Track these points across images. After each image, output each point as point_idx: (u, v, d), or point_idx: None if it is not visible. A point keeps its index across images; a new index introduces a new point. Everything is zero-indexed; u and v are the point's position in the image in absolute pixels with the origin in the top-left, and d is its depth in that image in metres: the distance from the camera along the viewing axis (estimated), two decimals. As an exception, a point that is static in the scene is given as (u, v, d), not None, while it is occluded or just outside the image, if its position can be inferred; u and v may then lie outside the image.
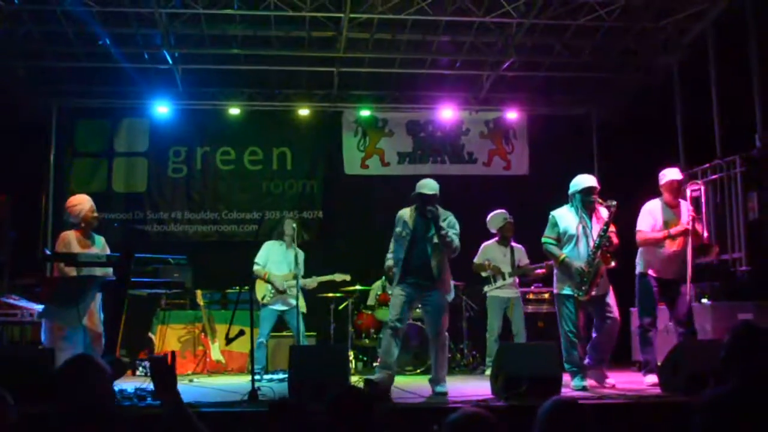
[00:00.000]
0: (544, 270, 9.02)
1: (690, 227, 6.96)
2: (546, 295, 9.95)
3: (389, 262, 6.88)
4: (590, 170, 10.10)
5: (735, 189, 8.88)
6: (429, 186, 6.72)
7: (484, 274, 9.12)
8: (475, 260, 9.16)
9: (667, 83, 10.35)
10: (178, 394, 3.06)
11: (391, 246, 6.91)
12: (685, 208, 7.14)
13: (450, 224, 6.69)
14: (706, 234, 7.37)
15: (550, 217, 7.03)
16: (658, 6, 9.37)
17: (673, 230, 7.00)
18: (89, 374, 3.08)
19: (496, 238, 9.20)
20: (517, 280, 9.23)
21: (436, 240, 6.63)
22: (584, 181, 6.92)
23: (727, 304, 8.01)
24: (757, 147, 8.44)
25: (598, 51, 10.42)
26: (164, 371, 3.06)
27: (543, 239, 7.02)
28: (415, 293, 6.72)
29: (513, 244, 9.20)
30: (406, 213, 6.82)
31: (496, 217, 9.19)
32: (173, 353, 3.20)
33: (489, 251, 9.16)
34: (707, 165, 9.36)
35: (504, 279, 8.99)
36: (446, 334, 6.79)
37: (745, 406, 3.24)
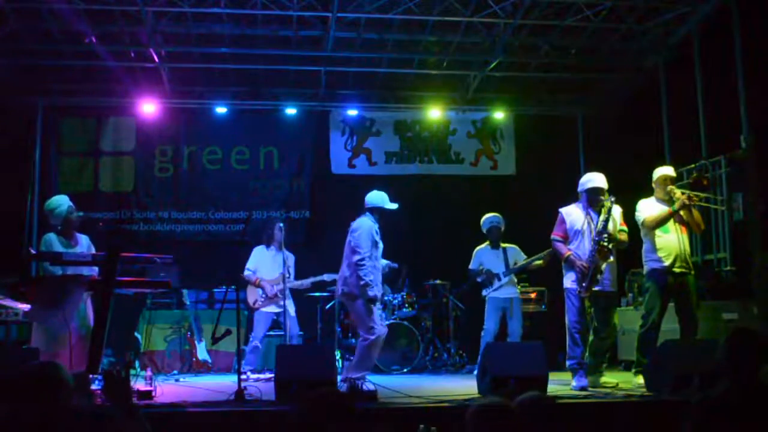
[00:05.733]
0: (542, 261, 8.80)
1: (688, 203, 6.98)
2: (532, 295, 9.97)
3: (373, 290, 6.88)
4: (576, 170, 10.21)
5: (720, 189, 8.93)
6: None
7: (479, 279, 9.03)
8: (470, 266, 9.13)
9: (653, 84, 10.38)
10: (133, 405, 3.07)
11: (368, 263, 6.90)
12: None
13: None
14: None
15: (558, 214, 7.14)
16: (644, 8, 9.42)
17: (676, 205, 6.96)
18: (47, 385, 3.01)
19: (488, 242, 9.15)
20: (516, 279, 9.14)
21: None
22: (590, 180, 7.03)
23: (711, 304, 8.04)
24: (742, 148, 8.48)
25: (585, 51, 10.46)
26: (117, 385, 3.05)
27: (551, 236, 7.15)
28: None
29: (506, 244, 9.13)
30: (372, 226, 7.01)
31: (486, 219, 9.16)
32: (128, 367, 3.20)
33: (481, 255, 9.09)
34: (693, 165, 9.41)
35: (499, 280, 8.93)
36: None
37: (735, 409, 3.28)
